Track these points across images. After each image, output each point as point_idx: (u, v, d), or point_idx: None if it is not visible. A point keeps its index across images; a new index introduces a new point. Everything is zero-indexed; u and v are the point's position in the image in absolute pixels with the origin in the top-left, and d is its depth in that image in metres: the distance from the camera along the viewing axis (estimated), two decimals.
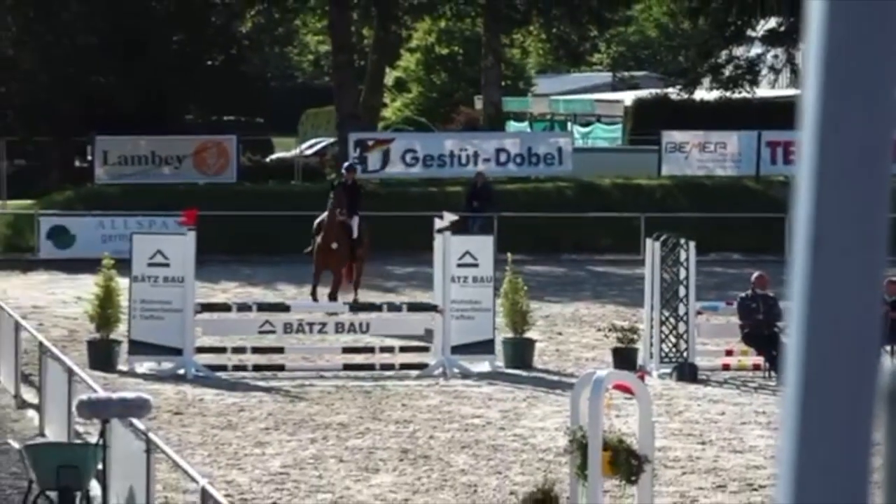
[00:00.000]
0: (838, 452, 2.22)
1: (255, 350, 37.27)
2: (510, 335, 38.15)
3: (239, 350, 37.26)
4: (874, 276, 2.26)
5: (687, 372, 35.76)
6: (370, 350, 37.53)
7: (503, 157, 69.09)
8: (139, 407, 23.86)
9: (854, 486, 2.23)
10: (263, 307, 40.20)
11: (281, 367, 36.74)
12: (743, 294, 36.59)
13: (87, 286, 39.20)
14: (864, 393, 2.21)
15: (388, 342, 37.68)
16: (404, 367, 36.52)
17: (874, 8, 2.25)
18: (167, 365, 36.00)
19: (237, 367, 36.62)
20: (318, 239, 43.50)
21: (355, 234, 44.72)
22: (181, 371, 35.70)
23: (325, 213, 44.20)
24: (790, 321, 2.29)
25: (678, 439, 28.23)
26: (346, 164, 49.08)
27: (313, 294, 44.30)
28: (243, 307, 40.06)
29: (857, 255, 2.24)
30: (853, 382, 2.22)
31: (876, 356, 2.27)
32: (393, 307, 40.01)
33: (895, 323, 34.13)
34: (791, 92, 66.94)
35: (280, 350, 37.41)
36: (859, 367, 2.22)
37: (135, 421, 23.21)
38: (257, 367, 36.65)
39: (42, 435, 27.26)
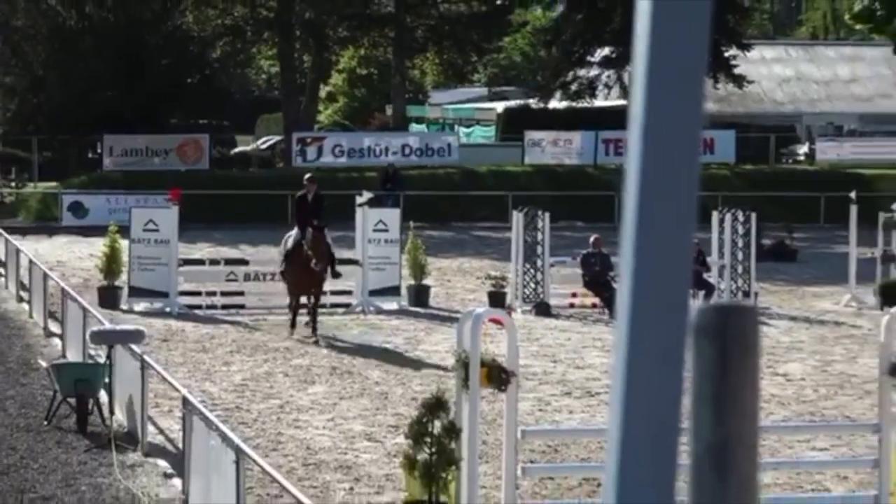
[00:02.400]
0: (657, 369, 2.19)
1: (223, 293, 37.29)
2: (412, 282, 38.33)
3: (211, 293, 37.28)
4: (684, 239, 2.21)
5: (543, 309, 35.90)
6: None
7: (407, 151, 69.94)
8: (136, 336, 23.96)
9: (669, 393, 2.19)
10: (229, 261, 40.34)
11: (242, 306, 36.76)
12: (584, 251, 36.70)
13: (97, 247, 39.11)
14: (676, 327, 2.17)
15: (324, 287, 37.76)
16: (334, 305, 36.56)
17: (685, 36, 2.22)
18: (157, 304, 36.04)
19: (209, 306, 36.64)
20: (295, 258, 33.14)
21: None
22: (167, 309, 35.75)
23: (296, 231, 33.60)
24: (620, 271, 2.25)
25: (536, 359, 28.25)
26: (307, 175, 37.80)
27: (293, 324, 33.65)
28: (214, 261, 40.18)
29: (670, 223, 2.20)
30: (668, 318, 2.18)
31: (685, 299, 2.23)
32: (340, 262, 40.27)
33: (699, 274, 34.22)
34: (621, 102, 67.28)
35: (241, 293, 37.43)
36: (672, 307, 2.18)
37: (133, 346, 23.22)
38: (224, 306, 36.68)
39: (64, 356, 27.25)
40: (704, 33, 2.25)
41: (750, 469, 2.25)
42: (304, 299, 34.03)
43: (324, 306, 35.10)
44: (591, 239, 37.02)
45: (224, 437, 16.86)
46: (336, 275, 34.38)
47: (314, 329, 32.90)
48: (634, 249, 2.23)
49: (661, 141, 2.24)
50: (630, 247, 2.23)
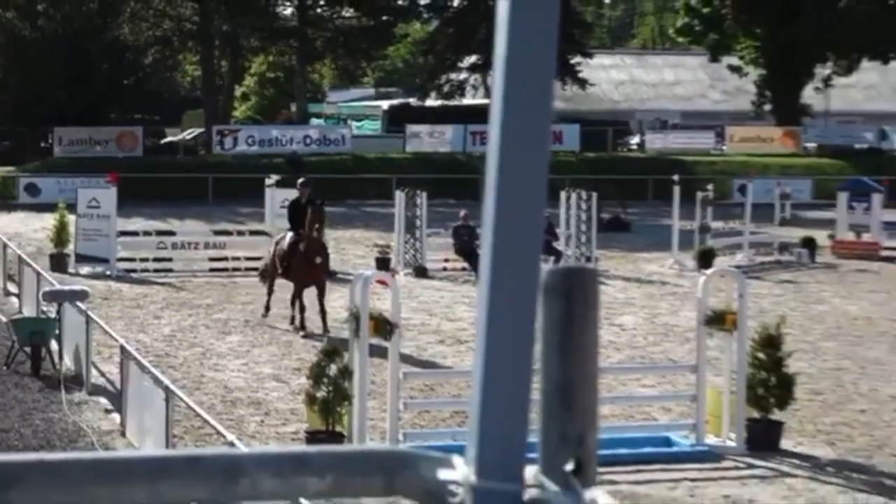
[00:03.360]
0: (513, 321, 2.20)
1: (154, 259, 37.12)
2: None
3: (144, 259, 37.09)
4: (536, 214, 2.22)
5: (420, 272, 35.93)
6: (227, 259, 37.54)
7: (308, 141, 69.88)
8: (81, 295, 23.93)
9: (523, 341, 2.19)
10: (159, 233, 40.15)
11: (170, 270, 36.55)
12: (455, 224, 36.72)
13: (49, 221, 38.77)
14: (528, 286, 2.17)
15: (238, 254, 37.67)
16: (248, 269, 36.45)
17: (536, 45, 2.22)
18: (99, 269, 35.76)
19: (143, 270, 36.43)
20: (296, 255, 29.01)
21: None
22: (108, 272, 35.50)
23: (288, 234, 30.15)
24: (483, 240, 2.25)
25: (415, 313, 28.27)
26: (300, 180, 32.10)
27: (267, 308, 29.99)
28: (147, 233, 39.96)
29: (524, 200, 2.21)
30: (522, 279, 2.18)
31: (537, 263, 2.24)
32: (240, 233, 40.13)
33: (549, 242, 34.35)
34: (485, 101, 67.42)
35: (170, 259, 37.25)
36: (526, 270, 2.19)
37: (79, 303, 23.13)
38: (155, 270, 36.48)
39: (21, 312, 27.04)
40: (553, 43, 2.26)
41: (591, 402, 2.26)
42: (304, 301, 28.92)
43: (238, 258, 34.91)
44: (461, 214, 37.04)
45: (155, 379, 16.81)
46: (331, 274, 30.04)
47: (324, 321, 27.23)
48: (494, 222, 2.24)
49: (515, 133, 2.25)
50: (490, 220, 2.24)
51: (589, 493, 2.13)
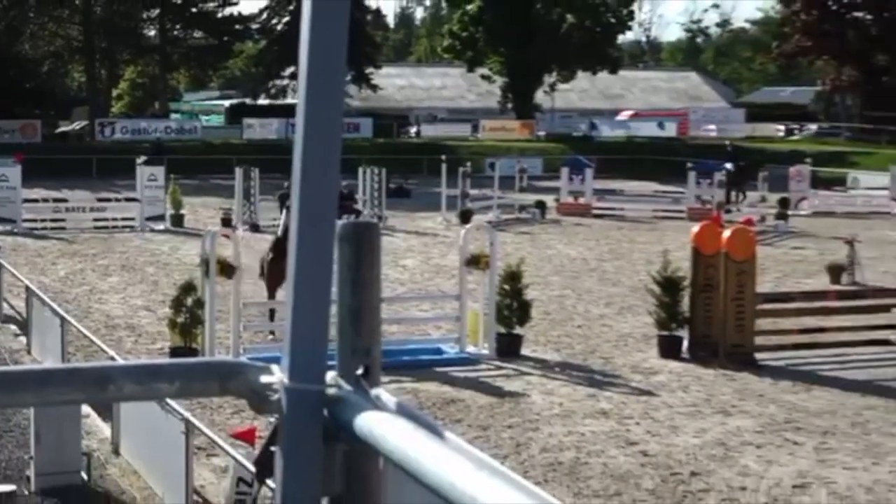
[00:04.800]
0: (316, 263, 2.18)
1: (51, 220, 36.33)
2: (172, 212, 37.78)
3: (43, 220, 36.27)
4: (331, 183, 2.19)
5: (255, 228, 35.63)
6: (107, 219, 36.92)
7: (169, 130, 69.40)
8: None
9: (323, 277, 2.18)
10: (55, 199, 39.28)
11: (64, 228, 35.78)
12: (280, 192, 36.42)
13: None
14: (327, 235, 2.15)
15: (116, 215, 37.09)
16: (124, 227, 35.91)
17: (330, 57, 2.20)
18: (8, 227, 34.87)
19: (42, 228, 35.62)
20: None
21: None
22: (15, 230, 34.65)
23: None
24: (293, 202, 2.23)
25: (253, 259, 27.91)
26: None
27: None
28: (45, 200, 39.08)
29: (322, 172, 2.18)
30: (322, 231, 2.16)
31: (333, 219, 2.21)
32: (117, 200, 39.42)
33: (350, 205, 34.27)
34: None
35: (63, 220, 36.46)
36: (325, 224, 2.16)
37: None
38: (52, 228, 35.70)
39: None
40: (342, 57, 2.23)
41: (375, 323, 2.26)
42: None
43: (116, 218, 34.31)
44: (286, 184, 36.66)
45: (52, 310, 16.44)
46: None
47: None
48: (301, 189, 2.21)
49: (316, 123, 2.23)
50: (298, 187, 2.21)
51: (374, 391, 2.13)
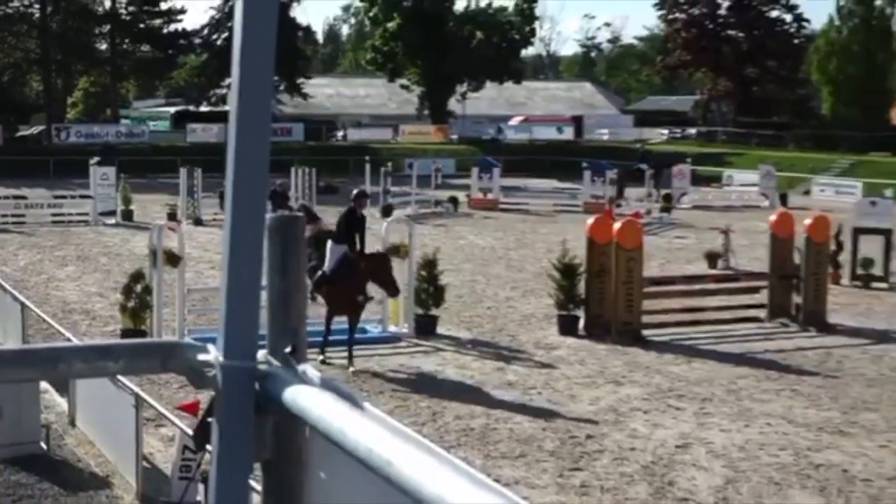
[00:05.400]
0: (248, 251, 2.16)
1: (12, 215, 35.66)
2: (123, 207, 37.35)
3: (4, 215, 35.57)
4: (261, 179, 2.17)
5: (198, 222, 35.31)
6: (63, 214, 36.34)
7: (119, 134, 68.59)
8: None
9: (254, 263, 2.15)
10: (16, 196, 38.55)
11: (24, 222, 35.16)
12: (221, 189, 36.26)
13: None
14: (257, 227, 2.12)
15: (72, 210, 36.55)
16: (78, 221, 35.41)
17: (258, 70, 2.17)
18: None
19: (3, 223, 34.94)
20: (340, 276, 16.51)
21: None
22: None
23: (341, 247, 16.70)
24: (227, 198, 2.21)
25: (194, 249, 27.61)
26: (358, 190, 18.56)
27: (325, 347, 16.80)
28: (5, 197, 38.27)
29: (253, 170, 2.15)
30: (253, 223, 2.13)
31: (263, 212, 2.18)
32: (72, 197, 38.90)
33: (284, 202, 34.09)
34: None
35: (23, 215, 35.81)
36: (255, 217, 2.13)
37: None
38: (13, 223, 35.06)
39: None
40: (270, 69, 2.21)
41: (301, 306, 2.24)
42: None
43: (72, 213, 33.69)
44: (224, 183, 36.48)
45: (14, 297, 16.15)
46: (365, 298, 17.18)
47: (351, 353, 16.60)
48: (233, 187, 2.18)
49: (246, 128, 2.20)
50: (231, 185, 2.18)
51: (301, 367, 2.11)
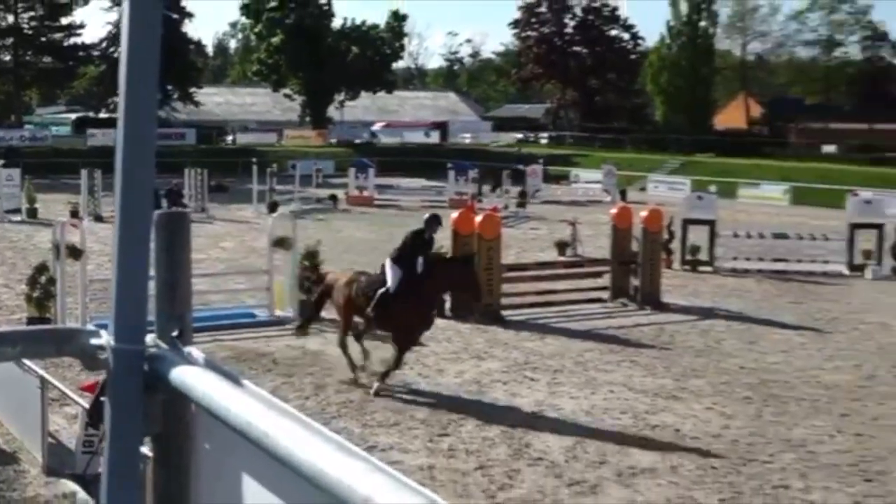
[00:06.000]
0: (135, 245, 2.11)
1: None
2: (28, 206, 36.24)
3: None
4: (147, 180, 2.12)
5: (98, 219, 34.40)
6: None
7: (23, 138, 66.84)
8: None
9: (142, 257, 2.11)
10: None
11: None
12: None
13: None
14: (144, 224, 2.07)
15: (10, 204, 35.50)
16: (9, 213, 34.47)
17: (143, 83, 2.12)
18: None
19: None
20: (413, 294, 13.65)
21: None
22: None
23: (394, 268, 13.86)
24: (115, 195, 2.15)
25: (95, 244, 26.83)
26: (428, 215, 15.00)
27: (354, 366, 14.31)
28: None
29: (140, 172, 2.10)
30: (141, 219, 2.08)
31: (150, 209, 2.13)
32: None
33: (178, 200, 33.45)
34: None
35: None
36: (143, 214, 2.08)
37: None
38: None
39: None
40: (154, 79, 2.16)
41: (187, 293, 2.20)
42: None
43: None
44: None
45: None
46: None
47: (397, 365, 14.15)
48: (123, 186, 2.12)
49: (133, 131, 2.14)
50: (120, 184, 2.12)
51: (186, 349, 2.07)
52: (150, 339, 2.11)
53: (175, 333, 2.10)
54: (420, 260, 13.86)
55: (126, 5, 2.01)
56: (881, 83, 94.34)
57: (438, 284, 14.14)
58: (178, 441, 2.10)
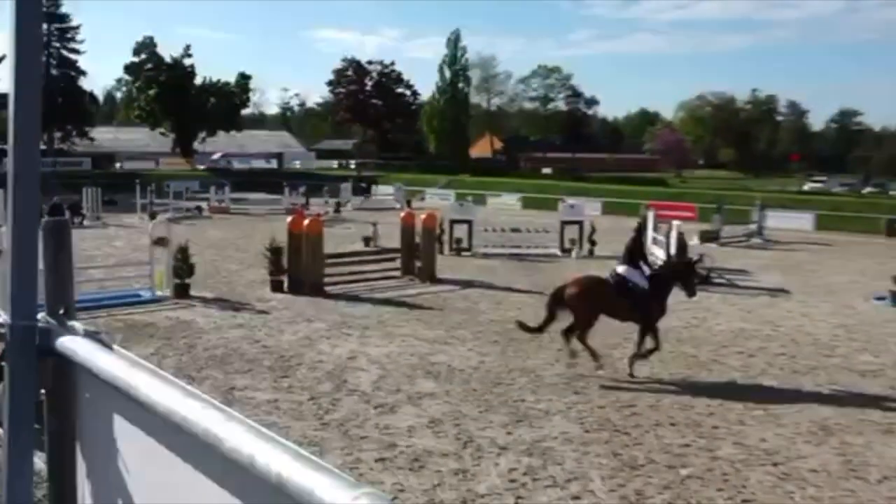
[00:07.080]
0: (25, 244, 1.93)
1: None
2: None
3: None
4: (33, 199, 1.95)
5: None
6: None
7: None
8: None
9: (32, 253, 1.93)
10: None
11: None
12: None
13: None
14: (32, 228, 1.90)
15: None
16: None
17: (28, 118, 1.93)
18: None
19: None
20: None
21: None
22: None
23: (631, 272, 11.74)
24: (7, 210, 1.96)
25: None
26: (638, 221, 14.47)
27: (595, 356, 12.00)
28: None
29: (27, 192, 1.93)
30: (29, 224, 1.91)
31: (37, 219, 1.96)
32: None
33: (78, 212, 31.23)
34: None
35: None
36: (30, 220, 1.91)
37: None
38: None
39: None
40: (37, 116, 1.98)
41: (69, 279, 2.03)
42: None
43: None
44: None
45: None
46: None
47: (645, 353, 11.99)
48: (14, 200, 1.94)
49: (21, 161, 1.97)
50: (11, 199, 1.94)
51: (70, 323, 1.92)
52: (41, 316, 1.94)
53: (61, 311, 1.94)
54: (642, 263, 12.18)
55: (10, 62, 1.84)
56: (579, 126, 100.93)
57: (666, 281, 12.16)
58: (64, 393, 1.94)
